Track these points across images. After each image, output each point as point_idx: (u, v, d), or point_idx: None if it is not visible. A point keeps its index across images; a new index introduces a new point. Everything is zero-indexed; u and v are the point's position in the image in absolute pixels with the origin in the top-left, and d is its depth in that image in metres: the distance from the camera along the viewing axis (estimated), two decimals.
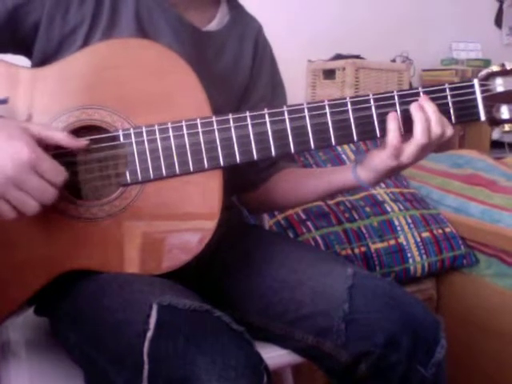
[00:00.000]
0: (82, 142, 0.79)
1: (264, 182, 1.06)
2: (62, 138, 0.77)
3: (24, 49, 0.90)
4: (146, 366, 0.65)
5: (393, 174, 0.91)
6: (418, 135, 0.83)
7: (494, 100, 0.86)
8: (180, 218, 0.84)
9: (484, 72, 0.87)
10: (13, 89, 0.81)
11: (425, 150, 0.85)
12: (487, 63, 2.65)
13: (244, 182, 1.06)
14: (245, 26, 1.05)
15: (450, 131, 0.84)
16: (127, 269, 0.82)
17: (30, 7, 0.86)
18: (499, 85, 0.86)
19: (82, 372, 0.79)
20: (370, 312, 0.82)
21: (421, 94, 0.85)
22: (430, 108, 0.83)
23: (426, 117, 0.83)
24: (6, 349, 0.93)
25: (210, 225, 0.82)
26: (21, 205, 0.72)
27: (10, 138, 0.72)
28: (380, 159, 0.86)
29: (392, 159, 0.85)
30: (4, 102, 0.79)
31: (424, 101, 0.84)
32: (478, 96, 0.86)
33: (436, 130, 0.83)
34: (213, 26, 1.00)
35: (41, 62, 0.88)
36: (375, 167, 0.88)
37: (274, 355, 0.88)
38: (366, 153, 0.92)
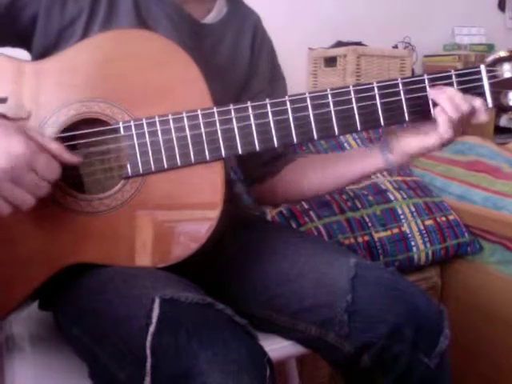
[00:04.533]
0: (75, 157, 0.78)
1: (274, 174, 1.06)
2: (57, 148, 0.76)
3: (23, 42, 0.89)
4: (148, 360, 0.65)
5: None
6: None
7: (501, 86, 0.84)
8: (183, 208, 0.83)
9: (491, 57, 0.86)
10: (11, 83, 0.80)
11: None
12: (491, 48, 2.62)
13: (250, 174, 1.06)
14: (243, 18, 1.04)
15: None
16: (130, 262, 0.82)
17: (27, 0, 0.85)
18: (507, 70, 0.84)
19: (85, 366, 0.79)
20: (373, 303, 0.82)
21: (426, 80, 0.84)
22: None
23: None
24: (10, 343, 0.93)
25: (214, 213, 0.81)
26: (16, 200, 0.72)
27: (4, 134, 0.71)
28: (420, 145, 0.88)
29: (440, 145, 0.87)
30: (3, 101, 0.79)
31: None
32: (485, 82, 0.84)
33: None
34: (211, 17, 0.99)
35: (40, 55, 0.87)
36: (409, 151, 0.90)
37: (277, 347, 0.89)
38: (388, 138, 0.93)
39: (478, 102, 0.84)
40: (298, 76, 2.30)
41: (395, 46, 2.47)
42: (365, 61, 2.13)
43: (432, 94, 0.85)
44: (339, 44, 2.26)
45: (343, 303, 0.82)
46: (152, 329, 0.67)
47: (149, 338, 0.66)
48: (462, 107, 0.83)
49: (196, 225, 0.83)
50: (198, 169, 0.82)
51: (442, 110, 0.84)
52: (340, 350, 0.83)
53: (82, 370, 0.79)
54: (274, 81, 1.08)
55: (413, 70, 2.34)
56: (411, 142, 0.89)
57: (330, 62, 2.23)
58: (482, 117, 0.85)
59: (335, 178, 1.00)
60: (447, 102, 0.83)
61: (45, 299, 0.93)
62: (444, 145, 0.87)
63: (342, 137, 1.72)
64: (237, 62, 1.02)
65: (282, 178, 1.05)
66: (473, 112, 0.84)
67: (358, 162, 0.97)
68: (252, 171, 1.06)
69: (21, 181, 0.71)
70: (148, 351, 0.66)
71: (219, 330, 0.69)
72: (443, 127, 0.84)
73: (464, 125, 0.85)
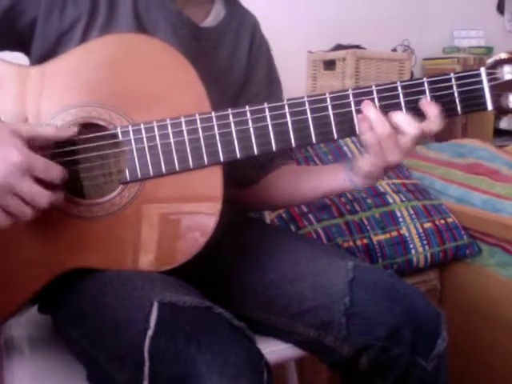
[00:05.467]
0: (71, 130, 0.78)
1: (261, 178, 1.06)
2: (50, 130, 0.76)
3: (22, 46, 0.89)
4: (146, 364, 0.66)
5: (388, 171, 0.89)
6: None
7: (502, 89, 0.83)
8: (184, 208, 0.83)
9: (492, 60, 0.85)
10: (9, 87, 0.80)
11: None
12: (489, 50, 2.63)
13: (241, 177, 1.04)
14: (241, 21, 1.04)
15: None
16: (135, 265, 0.82)
17: (26, 4, 0.85)
18: (507, 72, 0.84)
19: (84, 368, 0.79)
20: (371, 305, 0.82)
21: (425, 83, 0.84)
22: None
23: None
24: (9, 345, 0.94)
25: (216, 207, 0.81)
26: (15, 211, 0.71)
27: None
28: (369, 164, 0.86)
29: (378, 158, 0.83)
30: None
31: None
32: (485, 85, 0.83)
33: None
34: (209, 21, 0.99)
35: (39, 59, 0.87)
36: (368, 174, 0.88)
37: (276, 349, 0.89)
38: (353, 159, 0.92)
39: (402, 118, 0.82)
40: (297, 79, 2.31)
41: (394, 49, 2.47)
42: (364, 64, 2.14)
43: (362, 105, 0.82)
44: (338, 47, 2.27)
45: (341, 305, 0.82)
46: (150, 332, 0.67)
47: (147, 341, 0.67)
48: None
49: (200, 219, 0.82)
50: (197, 172, 0.82)
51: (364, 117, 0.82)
52: (338, 352, 0.83)
53: (80, 373, 0.79)
54: (271, 84, 1.08)
55: (412, 73, 2.35)
56: (361, 160, 0.88)
57: (329, 65, 2.24)
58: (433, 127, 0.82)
59: (309, 190, 1.01)
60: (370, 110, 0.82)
61: (44, 303, 0.93)
62: (382, 159, 0.83)
63: (341, 140, 1.72)
64: (235, 65, 1.02)
65: (278, 180, 1.05)
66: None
67: (327, 179, 0.97)
68: (249, 173, 1.05)
69: (18, 190, 0.70)
70: (146, 355, 0.66)
71: (217, 334, 0.69)
72: (364, 137, 0.82)
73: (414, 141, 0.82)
